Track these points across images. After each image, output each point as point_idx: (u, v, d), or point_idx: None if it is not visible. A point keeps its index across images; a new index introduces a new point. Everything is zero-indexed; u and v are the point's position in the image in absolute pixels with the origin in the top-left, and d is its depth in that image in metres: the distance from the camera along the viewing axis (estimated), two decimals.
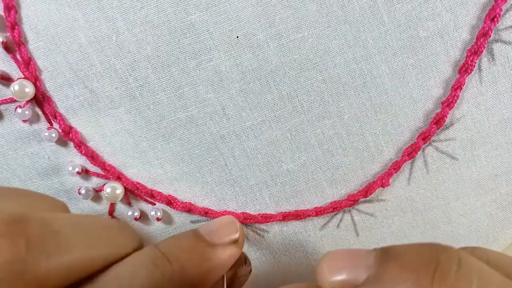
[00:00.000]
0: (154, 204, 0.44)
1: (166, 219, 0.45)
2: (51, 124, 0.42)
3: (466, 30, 0.40)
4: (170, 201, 0.44)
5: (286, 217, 0.45)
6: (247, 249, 0.47)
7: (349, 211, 0.45)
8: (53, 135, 0.41)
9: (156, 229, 0.45)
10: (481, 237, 0.47)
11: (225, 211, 0.45)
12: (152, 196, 0.44)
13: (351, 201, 0.44)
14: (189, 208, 0.44)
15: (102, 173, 0.43)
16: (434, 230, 0.47)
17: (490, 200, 0.46)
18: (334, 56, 0.40)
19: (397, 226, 0.46)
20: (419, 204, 0.45)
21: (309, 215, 0.44)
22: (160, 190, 0.44)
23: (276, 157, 0.43)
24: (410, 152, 0.43)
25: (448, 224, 0.46)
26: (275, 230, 0.46)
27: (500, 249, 0.48)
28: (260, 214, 0.45)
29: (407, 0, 0.39)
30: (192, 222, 0.45)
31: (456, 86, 0.41)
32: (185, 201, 0.44)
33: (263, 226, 0.46)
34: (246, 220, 0.45)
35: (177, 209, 0.44)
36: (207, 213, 0.45)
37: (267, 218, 0.45)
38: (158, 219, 0.44)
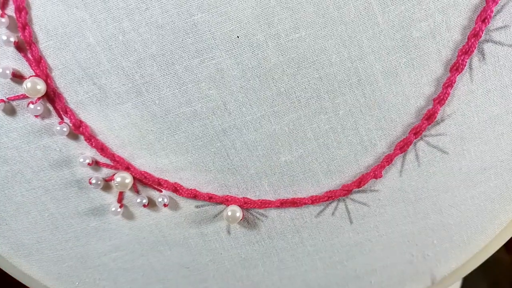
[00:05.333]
0: (161, 191, 0.47)
1: (173, 205, 0.47)
2: (62, 118, 0.44)
3: (457, 31, 0.41)
4: (176, 188, 0.46)
5: (283, 203, 0.47)
6: (246, 232, 0.49)
7: (344, 200, 0.47)
8: (64, 129, 0.43)
9: (164, 215, 0.48)
10: (470, 227, 0.49)
11: (228, 195, 0.47)
12: (159, 184, 0.46)
13: (345, 191, 0.46)
14: (194, 194, 0.46)
15: (112, 164, 0.45)
16: (425, 219, 0.48)
17: (479, 192, 0.47)
18: (330, 55, 0.42)
19: (389, 215, 0.48)
20: (411, 195, 0.47)
21: (305, 203, 0.47)
22: (166, 179, 0.46)
23: (275, 149, 0.45)
24: (402, 146, 0.44)
25: (439, 214, 0.48)
26: (273, 215, 0.48)
27: (488, 239, 0.50)
28: (259, 199, 0.47)
29: (401, 1, 0.40)
30: (197, 207, 0.48)
31: (447, 84, 0.42)
32: (190, 188, 0.47)
33: (262, 211, 0.48)
34: (246, 204, 0.47)
35: (182, 196, 0.46)
36: (211, 198, 0.47)
37: (265, 204, 0.47)
38: (165, 205, 0.47)
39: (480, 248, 0.50)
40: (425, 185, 0.47)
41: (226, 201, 0.47)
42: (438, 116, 0.44)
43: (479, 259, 0.51)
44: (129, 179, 0.45)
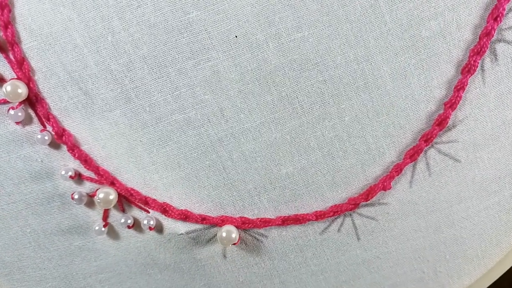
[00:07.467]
0: (148, 212, 0.44)
1: (161, 228, 0.44)
2: (44, 126, 0.41)
3: (468, 30, 0.40)
4: (165, 209, 0.43)
5: (285, 221, 0.44)
6: (244, 254, 0.46)
7: (350, 215, 0.45)
8: (46, 137, 0.41)
9: (152, 237, 0.45)
10: (484, 241, 0.47)
11: (223, 216, 0.44)
12: (146, 203, 0.43)
13: (352, 205, 0.44)
14: (185, 215, 0.43)
15: (96, 177, 0.42)
16: (437, 233, 0.46)
17: (493, 203, 0.46)
18: (335, 56, 0.40)
19: (399, 230, 0.46)
20: (422, 207, 0.45)
21: (309, 219, 0.44)
22: (155, 197, 0.43)
23: (275, 160, 0.43)
24: (412, 155, 0.42)
25: (451, 228, 0.46)
26: (274, 234, 0.45)
27: (503, 253, 0.48)
28: (258, 218, 0.44)
29: None
30: (187, 233, 0.44)
31: (459, 87, 0.41)
32: (181, 208, 0.44)
33: (261, 230, 0.45)
34: (244, 224, 0.44)
35: (172, 217, 0.44)
36: (204, 220, 0.44)
37: (265, 223, 0.44)
38: (150, 228, 0.43)
39: (494, 263, 0.49)
40: (437, 196, 0.45)
41: (221, 222, 0.44)
42: (450, 122, 0.42)
43: (494, 274, 0.49)
44: (113, 195, 0.42)
